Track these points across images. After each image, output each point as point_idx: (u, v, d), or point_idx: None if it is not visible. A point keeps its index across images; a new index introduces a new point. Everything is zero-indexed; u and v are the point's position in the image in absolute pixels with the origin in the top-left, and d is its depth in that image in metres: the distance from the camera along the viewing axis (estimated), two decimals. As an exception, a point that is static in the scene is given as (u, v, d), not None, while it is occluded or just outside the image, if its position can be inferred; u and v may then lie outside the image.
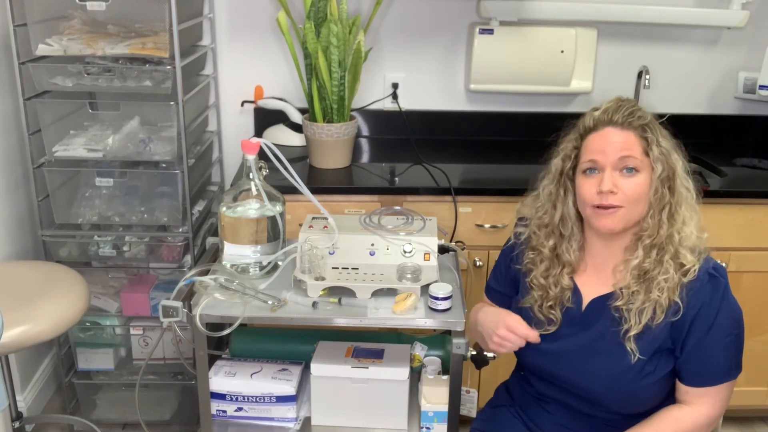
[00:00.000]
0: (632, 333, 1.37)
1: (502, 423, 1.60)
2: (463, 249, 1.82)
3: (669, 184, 1.39)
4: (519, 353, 1.53)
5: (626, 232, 1.42)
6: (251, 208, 1.67)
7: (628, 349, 1.38)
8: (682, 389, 1.41)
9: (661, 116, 1.46)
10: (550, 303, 1.47)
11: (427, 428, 1.68)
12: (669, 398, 1.44)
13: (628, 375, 1.39)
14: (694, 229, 1.40)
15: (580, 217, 1.47)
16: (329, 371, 1.67)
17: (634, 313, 1.38)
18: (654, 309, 1.36)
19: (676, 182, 1.40)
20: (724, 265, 1.40)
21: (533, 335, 1.45)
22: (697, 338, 1.36)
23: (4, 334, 1.64)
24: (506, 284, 1.64)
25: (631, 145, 1.37)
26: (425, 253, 1.67)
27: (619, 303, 1.40)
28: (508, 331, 1.46)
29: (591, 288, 1.47)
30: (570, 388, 1.48)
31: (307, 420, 1.72)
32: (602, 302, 1.44)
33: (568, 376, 1.47)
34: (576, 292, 1.48)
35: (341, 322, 1.55)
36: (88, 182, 2.28)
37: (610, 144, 1.37)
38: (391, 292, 1.60)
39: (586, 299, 1.47)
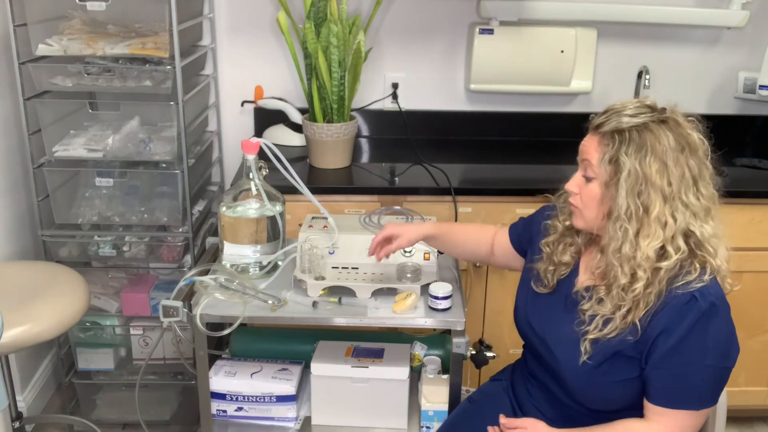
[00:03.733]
0: (590, 337, 1.37)
1: (493, 397, 1.62)
2: (463, 249, 1.82)
3: (640, 198, 1.32)
4: (514, 317, 1.56)
5: (599, 236, 1.42)
6: (251, 208, 1.67)
7: (581, 349, 1.38)
8: (644, 403, 1.39)
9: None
10: (552, 268, 1.50)
11: (427, 428, 1.68)
12: (641, 407, 1.42)
13: (583, 369, 1.39)
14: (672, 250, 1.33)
15: None
16: (329, 371, 1.67)
17: (597, 319, 1.37)
18: (616, 322, 1.34)
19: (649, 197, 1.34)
20: (736, 288, 1.32)
21: None
22: (660, 355, 1.33)
23: (4, 334, 1.64)
24: (520, 233, 1.65)
25: (590, 150, 1.37)
26: (425, 253, 1.68)
27: (585, 306, 1.40)
28: None
29: (587, 276, 1.47)
30: (548, 369, 1.49)
31: (307, 420, 1.73)
32: (583, 294, 1.44)
33: (543, 353, 1.48)
34: (575, 272, 1.48)
35: (341, 321, 1.55)
36: (88, 182, 2.28)
37: (582, 146, 1.41)
38: (391, 292, 1.60)
39: (580, 283, 1.46)
